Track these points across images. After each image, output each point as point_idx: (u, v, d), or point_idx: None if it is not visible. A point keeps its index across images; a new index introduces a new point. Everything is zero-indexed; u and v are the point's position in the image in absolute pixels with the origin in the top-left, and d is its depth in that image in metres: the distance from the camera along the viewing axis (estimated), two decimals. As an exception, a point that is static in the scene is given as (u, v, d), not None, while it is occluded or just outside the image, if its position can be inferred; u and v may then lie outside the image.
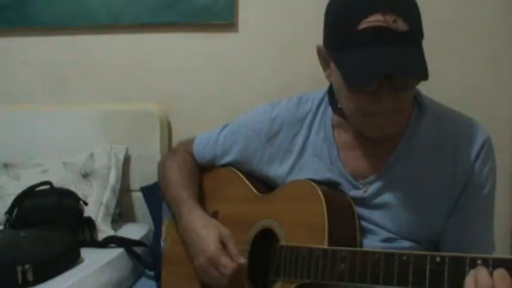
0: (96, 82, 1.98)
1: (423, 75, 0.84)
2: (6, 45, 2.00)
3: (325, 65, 0.98)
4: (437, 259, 0.74)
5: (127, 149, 1.85)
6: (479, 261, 0.70)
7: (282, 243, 1.00)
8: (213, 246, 1.02)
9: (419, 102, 1.01)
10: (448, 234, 0.99)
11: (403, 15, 0.84)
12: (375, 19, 0.83)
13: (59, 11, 1.93)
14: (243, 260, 1.02)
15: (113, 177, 1.77)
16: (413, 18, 0.86)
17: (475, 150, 0.96)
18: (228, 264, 1.00)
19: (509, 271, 0.68)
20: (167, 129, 1.92)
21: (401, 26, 0.84)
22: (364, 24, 0.84)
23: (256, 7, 1.89)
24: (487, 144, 0.97)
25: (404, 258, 0.78)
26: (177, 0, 1.88)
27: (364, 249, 0.89)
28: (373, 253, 0.83)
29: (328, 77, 0.99)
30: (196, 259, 1.06)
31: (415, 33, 0.86)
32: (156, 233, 1.60)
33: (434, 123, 0.99)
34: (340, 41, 0.89)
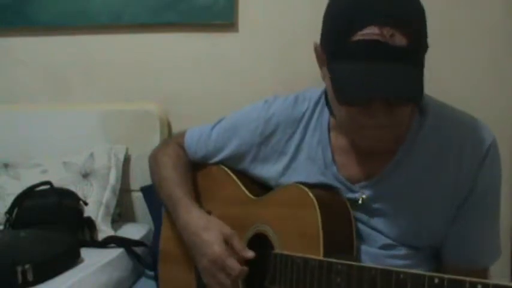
0: (96, 82, 1.98)
1: (415, 100, 0.80)
2: (6, 45, 2.00)
3: (320, 63, 0.95)
4: (436, 281, 0.71)
5: (127, 149, 1.85)
6: (479, 287, 0.68)
7: (277, 250, 0.98)
8: (217, 248, 1.00)
9: (420, 104, 0.96)
10: (451, 239, 0.96)
11: (402, 28, 0.78)
12: (370, 32, 0.78)
13: (59, 11, 1.93)
14: (251, 254, 1.00)
15: (113, 177, 1.77)
16: (415, 31, 0.80)
17: (481, 153, 0.92)
18: (234, 266, 0.98)
19: None
20: (167, 129, 1.92)
21: (399, 41, 0.78)
22: (359, 36, 0.79)
23: (256, 7, 1.89)
24: (493, 146, 0.93)
25: (402, 276, 0.75)
26: (177, 0, 1.88)
27: (361, 264, 0.86)
28: (370, 269, 0.80)
29: (323, 77, 0.96)
30: (200, 261, 1.04)
31: (414, 49, 0.80)
32: (156, 233, 1.60)
33: (437, 124, 0.95)
34: (334, 48, 0.85)
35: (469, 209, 0.94)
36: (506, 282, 0.67)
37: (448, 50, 1.76)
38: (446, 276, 0.70)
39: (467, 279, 0.68)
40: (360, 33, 0.79)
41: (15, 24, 1.96)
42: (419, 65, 0.83)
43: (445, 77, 1.75)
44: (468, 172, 0.93)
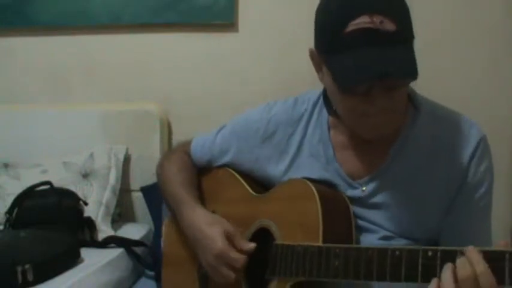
0: (96, 82, 1.98)
1: (413, 75, 0.84)
2: (6, 45, 2.00)
3: (317, 68, 0.98)
4: (429, 253, 0.74)
5: (127, 149, 1.86)
6: None
7: (278, 242, 1.00)
8: (220, 243, 1.01)
9: (413, 101, 1.01)
10: (445, 232, 0.99)
11: (390, 15, 0.84)
12: (361, 21, 0.83)
13: (59, 11, 1.93)
14: (252, 245, 1.01)
15: (113, 177, 1.77)
16: (401, 17, 0.86)
17: (470, 149, 0.96)
18: (239, 258, 0.99)
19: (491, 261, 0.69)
20: (167, 129, 1.92)
21: (388, 26, 0.83)
22: (352, 26, 0.84)
23: (256, 7, 1.89)
24: (482, 143, 0.97)
25: (397, 253, 0.78)
26: (177, 0, 1.88)
27: (358, 245, 0.89)
28: (366, 249, 0.83)
29: (321, 79, 0.99)
30: (204, 257, 1.05)
31: (403, 33, 0.86)
32: (156, 233, 1.61)
33: (430, 122, 0.99)
34: (329, 44, 0.89)
35: (461, 202, 0.97)
36: (496, 247, 0.70)
37: (448, 50, 1.77)
38: (440, 248, 0.74)
39: (458, 248, 0.72)
40: (352, 23, 0.84)
41: (15, 24, 1.97)
42: (410, 47, 0.88)
43: (445, 77, 1.76)
44: (459, 167, 0.96)
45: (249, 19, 1.90)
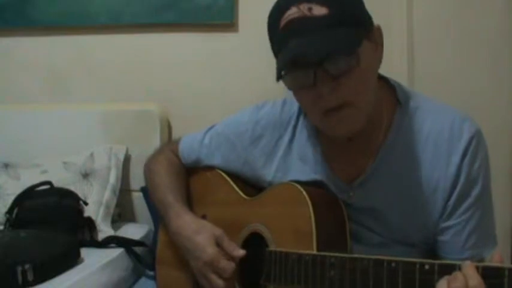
0: (96, 82, 1.98)
1: (338, 50, 0.82)
2: (6, 45, 2.00)
3: None
4: (427, 267, 0.72)
5: (127, 149, 1.86)
6: None
7: (271, 248, 0.99)
8: (210, 250, 1.01)
9: (398, 98, 0.97)
10: (443, 234, 0.96)
11: (319, 0, 0.82)
12: (291, 13, 0.84)
13: (59, 11, 1.94)
14: (241, 252, 1.01)
15: (113, 177, 1.77)
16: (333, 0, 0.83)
17: (462, 146, 0.92)
18: (227, 267, 0.99)
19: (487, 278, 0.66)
20: (167, 129, 1.92)
21: (318, 11, 0.82)
22: (283, 21, 0.85)
23: (256, 7, 1.88)
24: (475, 139, 0.92)
25: (393, 265, 0.76)
26: (177, 0, 1.88)
27: (353, 255, 0.87)
28: (362, 259, 0.81)
29: None
30: (194, 265, 1.05)
31: (339, 15, 0.83)
32: (156, 233, 1.60)
33: (419, 119, 0.95)
34: (272, 46, 0.93)
35: (457, 201, 0.94)
36: (495, 263, 0.68)
37: (448, 50, 1.76)
38: (437, 261, 0.72)
39: (458, 262, 0.69)
40: (282, 18, 0.85)
41: (15, 24, 1.97)
42: (348, 26, 0.84)
43: (445, 77, 1.75)
44: (451, 166, 0.93)
45: (249, 19, 1.90)
